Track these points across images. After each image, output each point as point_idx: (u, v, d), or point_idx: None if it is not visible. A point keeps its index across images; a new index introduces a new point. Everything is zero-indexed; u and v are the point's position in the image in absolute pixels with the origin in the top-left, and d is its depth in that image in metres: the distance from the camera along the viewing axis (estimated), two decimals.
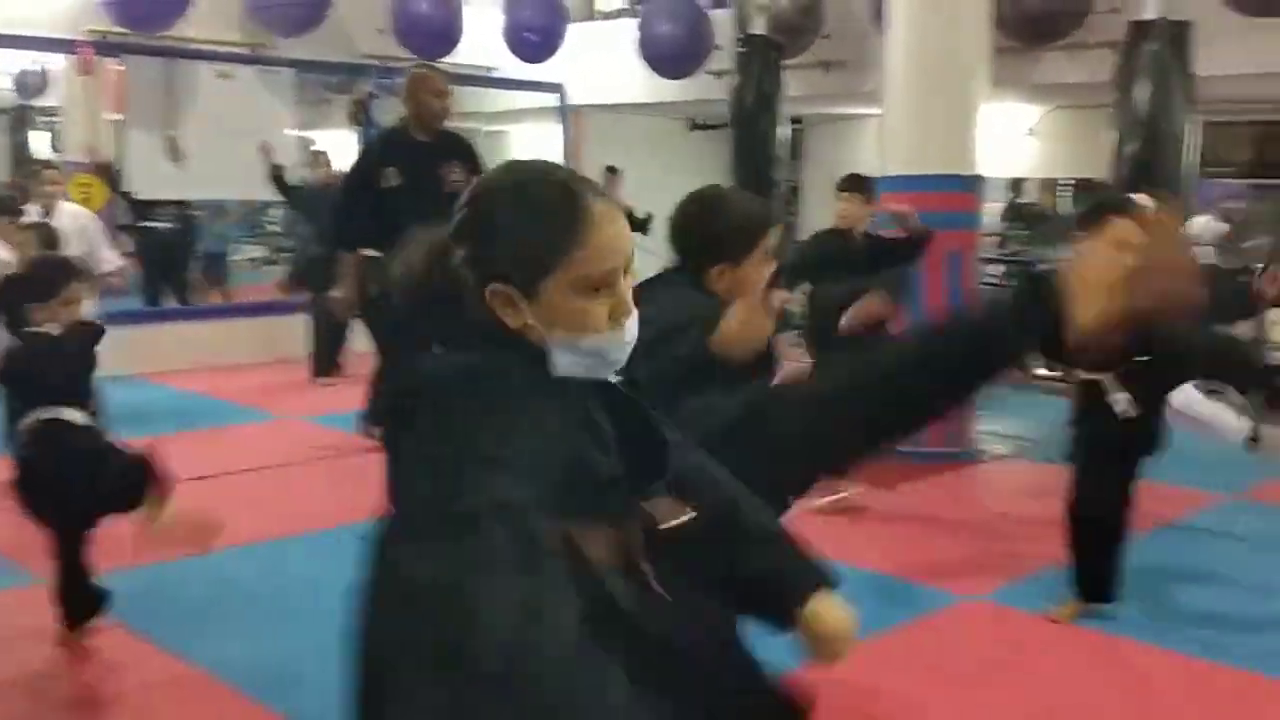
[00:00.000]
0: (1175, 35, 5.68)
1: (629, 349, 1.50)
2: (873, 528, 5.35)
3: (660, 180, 10.95)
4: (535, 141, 11.59)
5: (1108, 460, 4.00)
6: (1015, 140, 11.31)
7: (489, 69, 10.70)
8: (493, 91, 10.73)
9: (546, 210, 1.42)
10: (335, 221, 5.66)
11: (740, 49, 7.32)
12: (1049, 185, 12.58)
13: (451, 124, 5.50)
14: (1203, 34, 6.63)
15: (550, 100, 10.33)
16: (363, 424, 6.37)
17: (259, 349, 8.76)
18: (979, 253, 6.96)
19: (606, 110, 11.29)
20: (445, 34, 10.02)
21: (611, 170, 8.95)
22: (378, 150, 5.36)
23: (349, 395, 6.98)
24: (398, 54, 10.15)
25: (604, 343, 1.46)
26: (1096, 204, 3.81)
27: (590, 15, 12.11)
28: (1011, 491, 6.14)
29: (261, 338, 8.91)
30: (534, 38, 10.11)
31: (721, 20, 9.38)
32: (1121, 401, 3.84)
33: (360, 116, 9.86)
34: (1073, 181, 11.98)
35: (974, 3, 6.34)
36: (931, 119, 6.34)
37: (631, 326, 1.48)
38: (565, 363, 1.45)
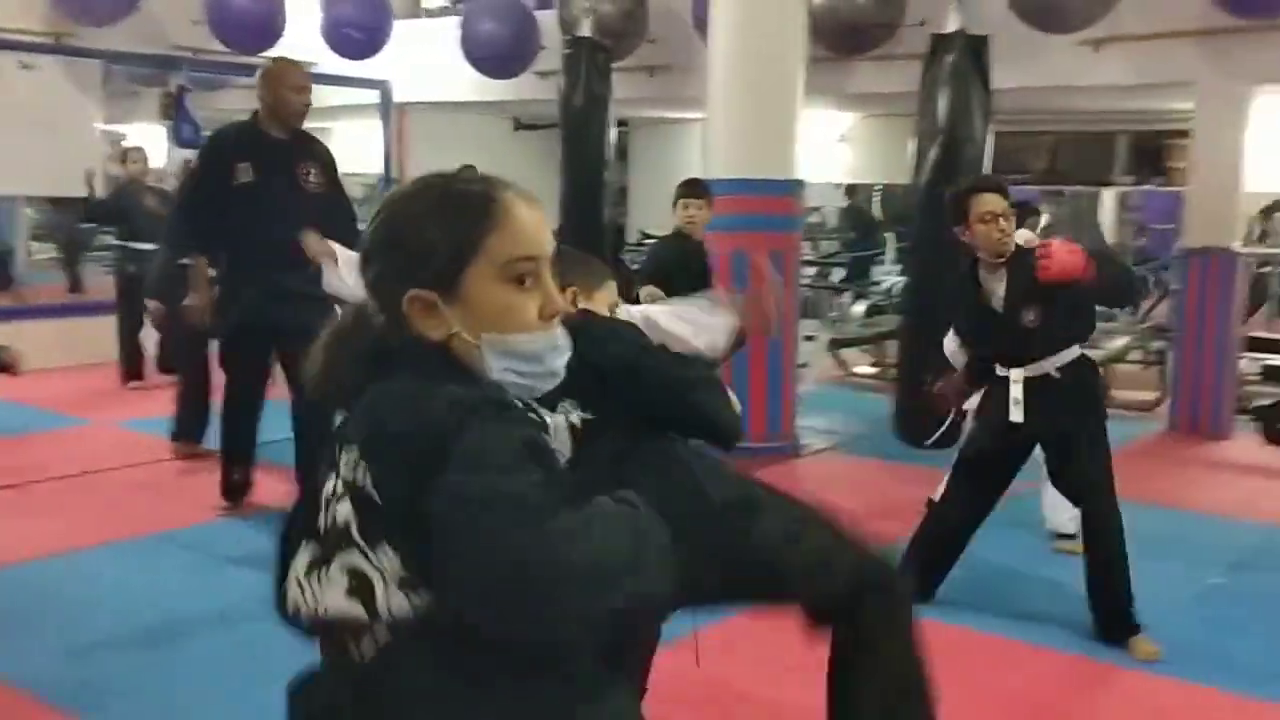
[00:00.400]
0: (973, 48, 6.01)
1: (564, 358, 1.41)
2: None
3: None
4: (358, 139, 11.40)
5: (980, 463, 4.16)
6: (828, 146, 11.73)
7: (310, 65, 10.46)
8: (314, 87, 10.51)
9: (456, 201, 1.36)
10: (180, 221, 5.22)
11: (567, 51, 7.38)
12: (865, 190, 13.12)
13: None
14: (998, 48, 7.02)
15: (373, 97, 10.18)
16: (171, 435, 6.20)
17: (60, 353, 8.35)
18: (799, 254, 7.20)
19: (432, 108, 11.20)
20: (265, 28, 9.77)
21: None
22: (230, 144, 4.96)
23: (162, 400, 6.77)
24: (212, 47, 9.84)
25: (537, 342, 1.37)
26: (953, 196, 4.02)
27: (416, 13, 11.98)
28: (829, 484, 6.37)
29: (62, 341, 8.50)
30: (357, 34, 9.95)
31: (547, 21, 9.44)
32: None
33: (172, 110, 9.50)
34: (880, 186, 12.53)
35: (792, 13, 6.56)
36: (752, 124, 6.53)
37: (563, 333, 1.40)
38: (499, 368, 1.36)
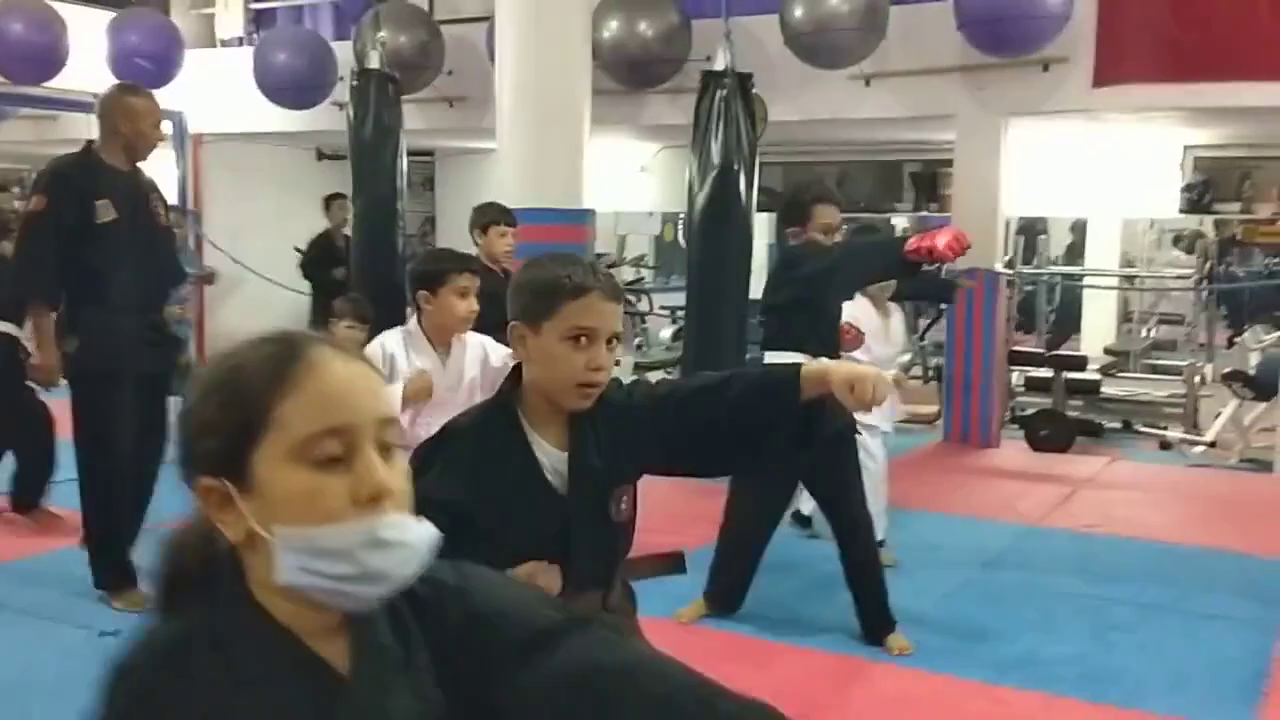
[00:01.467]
0: (740, 84, 6.32)
1: (415, 561, 1.09)
2: None
3: (289, 209, 10.88)
4: (149, 169, 11.10)
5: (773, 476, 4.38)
6: (631, 177, 12.03)
7: (94, 95, 10.18)
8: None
9: (247, 364, 1.09)
10: (29, 269, 4.52)
11: (355, 83, 7.42)
12: (671, 218, 13.47)
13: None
14: (777, 84, 7.41)
15: (165, 129, 9.96)
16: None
17: None
18: None
19: (231, 139, 11.02)
20: (46, 58, 9.45)
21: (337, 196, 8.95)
22: (83, 180, 4.48)
23: None
24: None
25: (345, 535, 1.05)
26: (797, 199, 4.42)
27: (211, 43, 11.77)
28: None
29: None
30: (146, 64, 9.71)
31: (346, 52, 9.43)
32: None
33: None
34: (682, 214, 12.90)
35: (575, 47, 6.76)
36: (542, 155, 6.69)
37: (400, 518, 1.09)
38: (291, 567, 1.06)
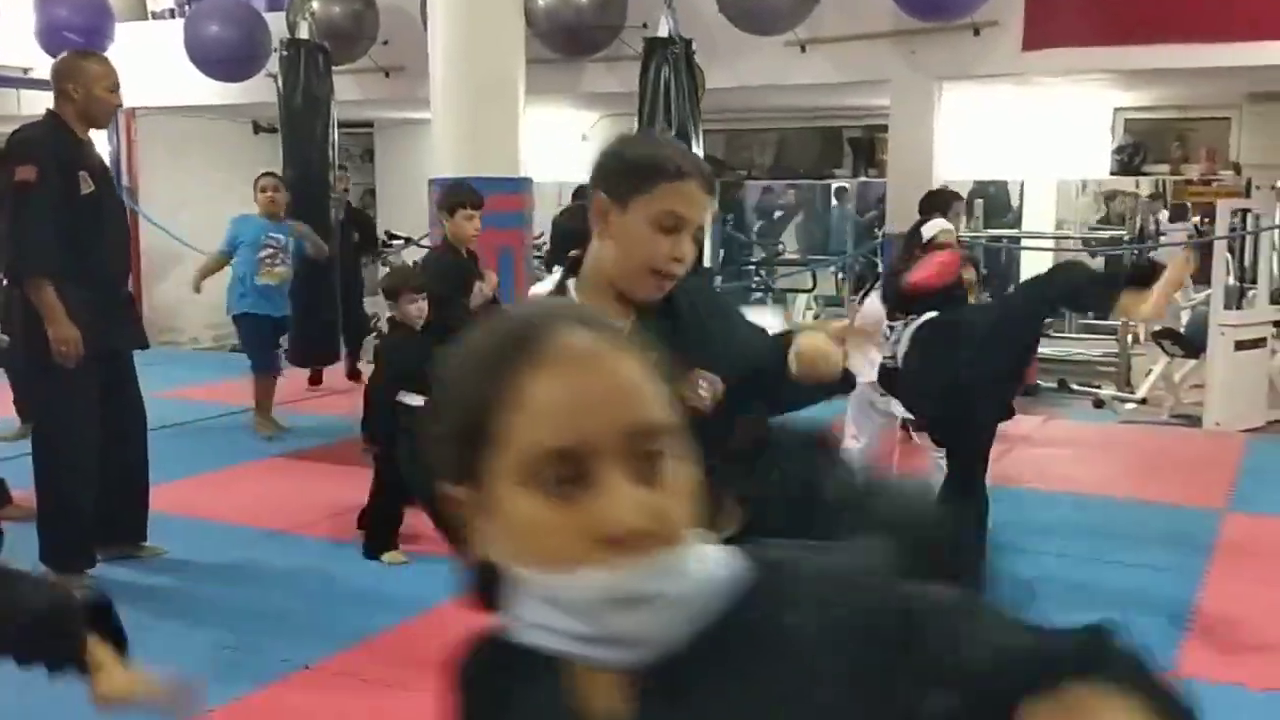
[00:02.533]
0: (681, 51, 6.34)
1: (680, 619, 0.80)
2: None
3: (225, 181, 10.74)
4: None
5: None
6: (571, 145, 12.00)
7: (24, 69, 10.00)
8: (28, 93, 10.03)
9: (481, 360, 0.85)
10: (29, 241, 4.33)
11: (284, 53, 7.34)
12: None
13: None
14: (714, 50, 7.42)
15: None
16: None
17: None
18: (531, 250, 7.39)
19: (165, 113, 10.86)
20: None
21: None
22: (63, 149, 4.34)
23: None
24: None
25: (577, 588, 0.79)
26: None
27: (143, 15, 11.57)
28: None
29: None
30: (75, 37, 9.53)
31: (279, 23, 9.32)
32: None
33: None
34: None
35: (508, 16, 6.74)
36: (477, 124, 6.66)
37: (657, 561, 0.79)
38: (531, 620, 0.83)
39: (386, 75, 9.48)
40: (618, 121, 11.79)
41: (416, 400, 4.47)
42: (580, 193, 5.82)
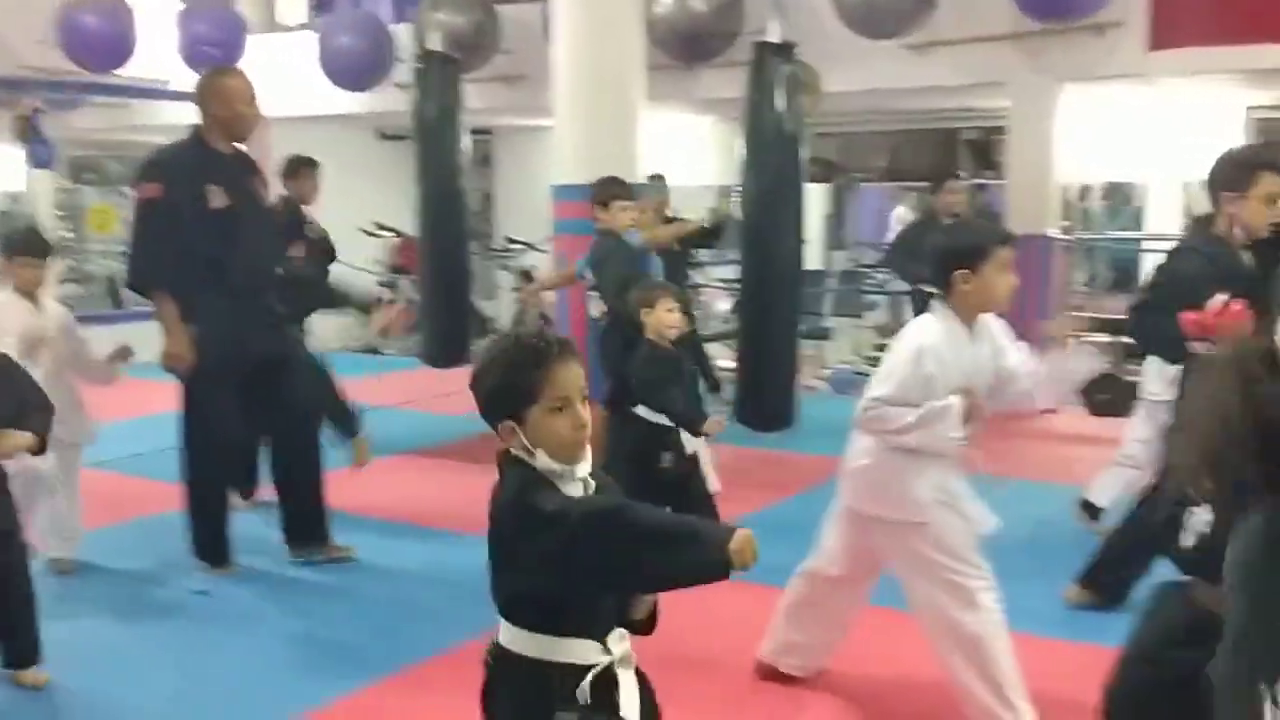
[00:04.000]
0: (789, 55, 6.37)
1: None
2: None
3: (350, 188, 11.11)
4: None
5: None
6: (687, 150, 12.11)
7: (163, 82, 10.48)
8: (168, 104, 10.52)
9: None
10: (146, 256, 4.54)
11: (418, 64, 7.59)
12: (725, 192, 13.54)
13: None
14: (829, 55, 7.44)
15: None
16: None
17: None
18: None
19: (294, 122, 11.26)
20: (116, 46, 9.77)
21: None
22: (194, 164, 4.51)
23: None
24: (64, 66, 9.80)
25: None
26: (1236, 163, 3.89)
27: (271, 27, 12.03)
28: None
29: None
30: (213, 50, 9.99)
31: (404, 34, 9.63)
32: None
33: (28, 133, 9.45)
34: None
35: (629, 23, 6.88)
36: (597, 131, 6.81)
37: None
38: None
39: (507, 83, 9.71)
40: (733, 126, 11.88)
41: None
42: None
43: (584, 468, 2.05)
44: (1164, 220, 11.43)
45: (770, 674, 3.70)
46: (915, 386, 3.07)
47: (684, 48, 8.41)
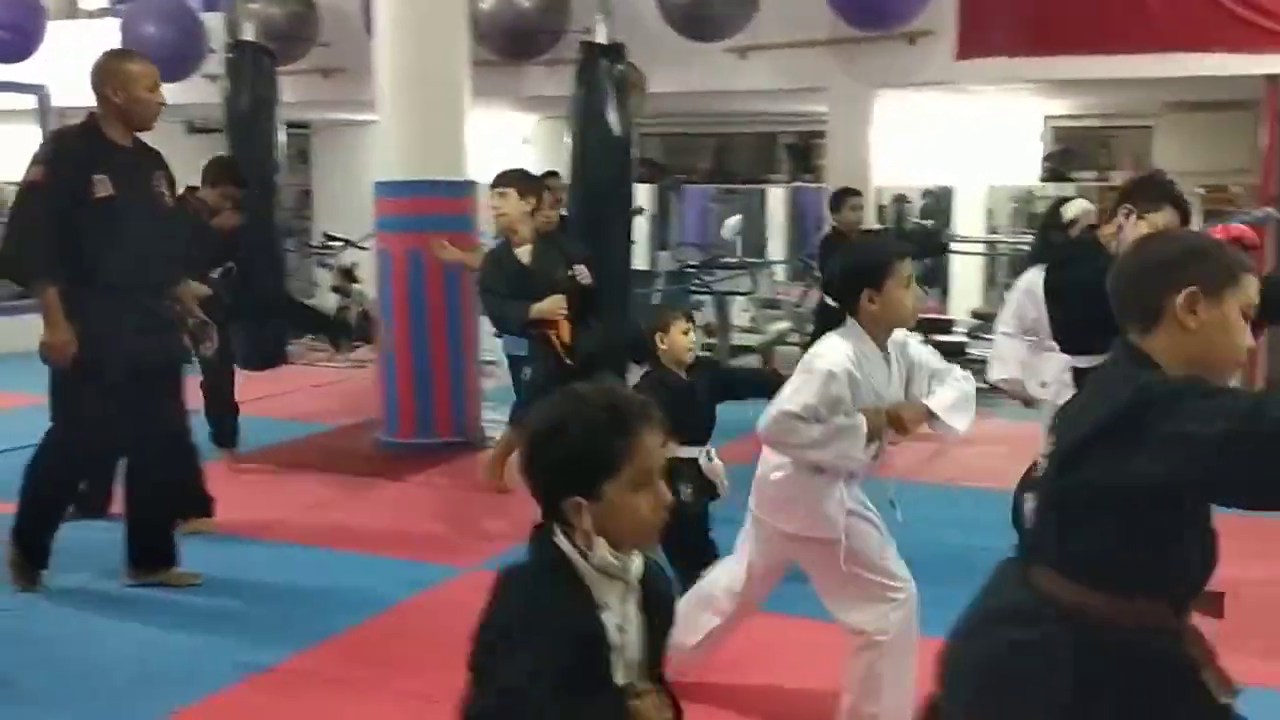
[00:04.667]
0: (616, 55, 6.42)
1: None
2: (383, 515, 5.65)
3: None
4: (12, 145, 10.74)
5: None
6: (513, 147, 12.04)
7: None
8: None
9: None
10: (31, 243, 4.21)
11: (230, 55, 7.31)
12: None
13: None
14: (655, 56, 7.51)
15: (29, 102, 9.64)
16: None
17: None
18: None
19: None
20: None
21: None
22: (80, 152, 4.22)
23: None
24: None
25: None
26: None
27: (73, 13, 11.41)
28: (512, 472, 6.65)
29: None
30: (6, 35, 9.41)
31: (215, 24, 9.26)
32: None
33: None
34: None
35: (452, 18, 6.79)
36: (421, 127, 6.71)
37: None
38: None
39: (325, 76, 9.46)
40: (557, 125, 11.88)
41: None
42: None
43: (638, 567, 1.77)
44: (971, 223, 11.98)
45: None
46: (823, 405, 3.00)
47: (509, 44, 8.36)
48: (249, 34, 7.30)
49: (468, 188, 6.98)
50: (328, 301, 10.96)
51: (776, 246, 12.98)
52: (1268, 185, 7.51)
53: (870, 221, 8.72)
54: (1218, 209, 8.34)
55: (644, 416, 1.71)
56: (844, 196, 7.44)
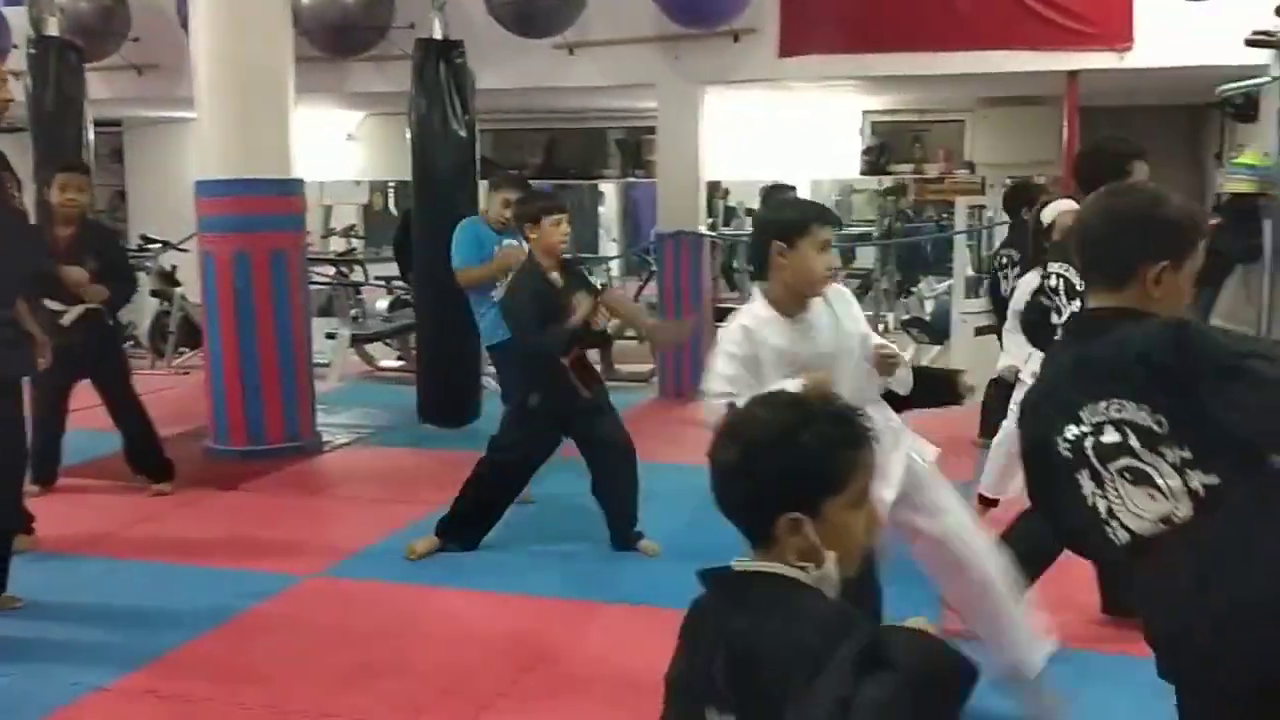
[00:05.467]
0: (453, 51, 6.37)
1: None
2: (217, 525, 5.48)
3: None
4: None
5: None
6: (337, 145, 11.80)
7: None
8: None
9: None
10: None
11: (32, 51, 6.95)
12: (379, 187, 13.30)
13: None
14: (484, 52, 7.48)
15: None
16: None
17: None
18: (306, 253, 7.25)
19: None
20: None
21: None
22: None
23: None
24: None
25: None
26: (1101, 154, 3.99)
27: None
28: (351, 477, 6.54)
29: None
30: None
31: (18, 19, 8.77)
32: None
33: None
34: (392, 182, 12.82)
35: (275, 12, 6.61)
36: (244, 124, 6.51)
37: None
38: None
39: (139, 73, 9.09)
40: (383, 121, 11.68)
41: None
42: None
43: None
44: None
45: None
46: (739, 378, 2.96)
47: (333, 40, 8.19)
48: (53, 29, 6.95)
49: (295, 186, 6.82)
50: (147, 305, 10.52)
51: (610, 243, 13.10)
52: (1070, 176, 7.94)
53: (703, 216, 8.90)
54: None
55: (870, 429, 1.58)
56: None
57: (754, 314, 3.10)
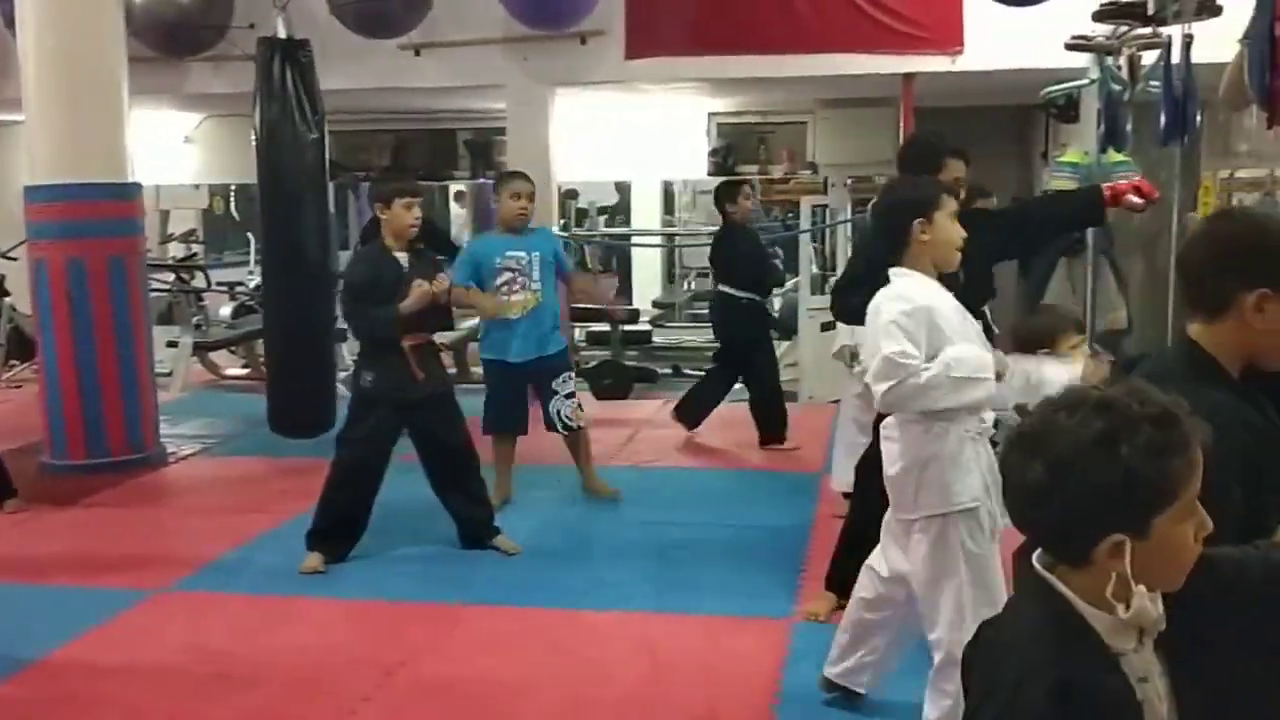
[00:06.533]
0: (295, 52, 6.24)
1: None
2: (57, 542, 5.27)
3: None
4: None
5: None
6: (174, 147, 11.44)
7: None
8: None
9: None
10: None
11: None
12: (219, 190, 12.92)
13: None
14: (327, 52, 7.35)
15: None
16: None
17: None
18: (145, 259, 7.02)
19: None
20: None
21: None
22: None
23: None
24: None
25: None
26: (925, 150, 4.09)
27: None
28: (197, 488, 6.36)
29: None
30: None
31: None
32: None
33: None
34: (233, 186, 12.49)
35: (106, 10, 6.39)
36: (76, 126, 6.28)
37: None
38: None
39: None
40: (222, 123, 11.37)
41: None
42: None
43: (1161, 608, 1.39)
44: (648, 216, 12.45)
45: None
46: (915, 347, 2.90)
47: (167, 39, 7.93)
48: None
49: (132, 190, 6.60)
50: None
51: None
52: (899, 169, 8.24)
53: (555, 217, 8.92)
54: (865, 198, 9.03)
55: (1197, 426, 1.35)
56: (736, 187, 7.36)
57: (914, 283, 3.02)
